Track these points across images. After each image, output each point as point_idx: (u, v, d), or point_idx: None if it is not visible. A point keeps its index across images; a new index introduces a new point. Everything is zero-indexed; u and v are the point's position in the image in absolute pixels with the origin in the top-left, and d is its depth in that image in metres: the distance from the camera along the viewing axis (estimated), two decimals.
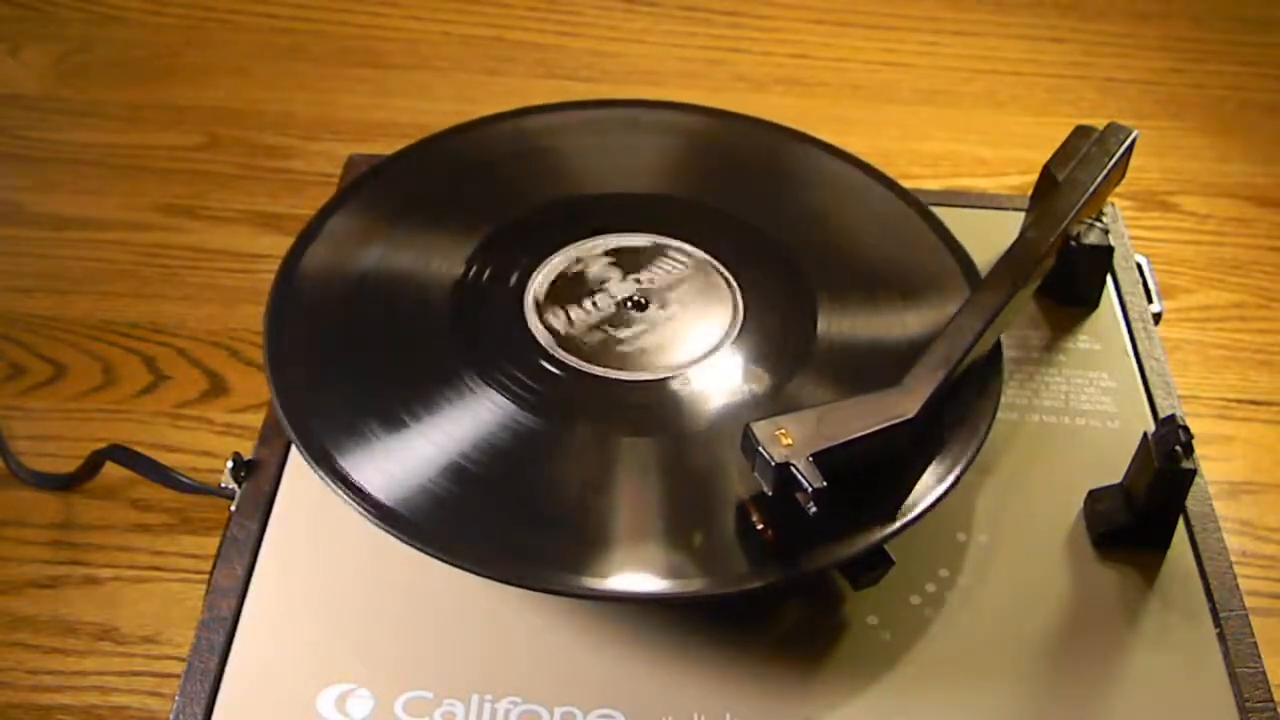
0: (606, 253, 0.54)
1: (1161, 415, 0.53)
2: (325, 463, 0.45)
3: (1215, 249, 0.81)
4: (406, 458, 0.46)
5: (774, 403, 0.48)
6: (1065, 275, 0.55)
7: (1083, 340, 0.56)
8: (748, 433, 0.43)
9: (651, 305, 0.52)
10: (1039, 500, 0.50)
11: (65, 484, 0.62)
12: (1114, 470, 0.49)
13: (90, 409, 0.67)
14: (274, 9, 0.94)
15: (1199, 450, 0.47)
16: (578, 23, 0.95)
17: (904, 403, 0.45)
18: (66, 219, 0.78)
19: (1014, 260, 0.51)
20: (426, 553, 0.43)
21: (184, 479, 0.56)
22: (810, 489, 0.41)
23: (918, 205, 0.56)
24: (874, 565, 0.44)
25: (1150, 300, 0.58)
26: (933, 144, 0.87)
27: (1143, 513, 0.47)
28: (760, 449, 0.42)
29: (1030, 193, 0.58)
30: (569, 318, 0.51)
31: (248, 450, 0.50)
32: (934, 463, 0.46)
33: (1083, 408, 0.53)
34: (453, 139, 0.59)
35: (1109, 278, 0.58)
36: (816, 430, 0.43)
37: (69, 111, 0.85)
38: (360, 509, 0.44)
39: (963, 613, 0.46)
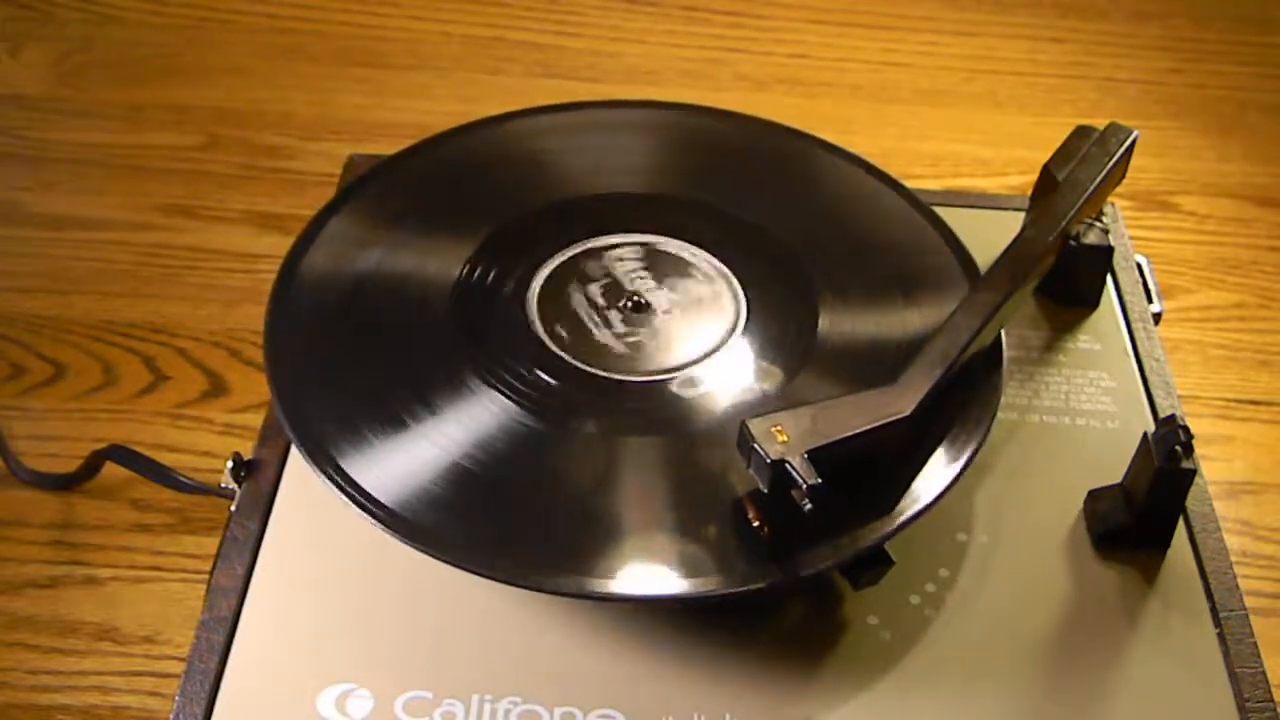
0: (607, 253, 0.54)
1: (1161, 415, 0.53)
2: (325, 463, 0.45)
3: (1215, 249, 0.81)
4: (406, 458, 0.46)
5: (775, 402, 0.48)
6: (1065, 275, 0.55)
7: (1083, 340, 0.56)
8: (743, 429, 0.43)
9: (652, 305, 0.52)
10: (1039, 500, 0.50)
11: (65, 484, 0.62)
12: (1114, 470, 0.49)
13: (90, 409, 0.67)
14: (274, 9, 0.94)
15: (1199, 450, 0.46)
16: (578, 23, 0.95)
17: (900, 400, 0.45)
18: (66, 219, 0.78)
19: (1013, 259, 0.51)
20: (426, 553, 0.43)
21: (184, 479, 0.56)
22: (805, 485, 0.41)
23: (919, 204, 0.56)
24: (874, 565, 0.44)
25: (1150, 300, 0.58)
26: (933, 144, 0.87)
27: (1143, 513, 0.47)
28: (755, 445, 0.42)
29: (1030, 193, 0.58)
30: (570, 318, 0.51)
31: (248, 450, 0.50)
32: (934, 462, 0.46)
33: (1083, 408, 0.53)
34: (453, 139, 0.59)
35: (1109, 278, 0.58)
36: (812, 427, 0.43)
37: (69, 111, 0.85)
38: (360, 509, 0.44)
39: (963, 613, 0.46)
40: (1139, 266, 0.59)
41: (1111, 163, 0.55)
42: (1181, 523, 0.49)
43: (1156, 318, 0.58)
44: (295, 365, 0.49)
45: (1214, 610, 0.47)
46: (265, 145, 0.84)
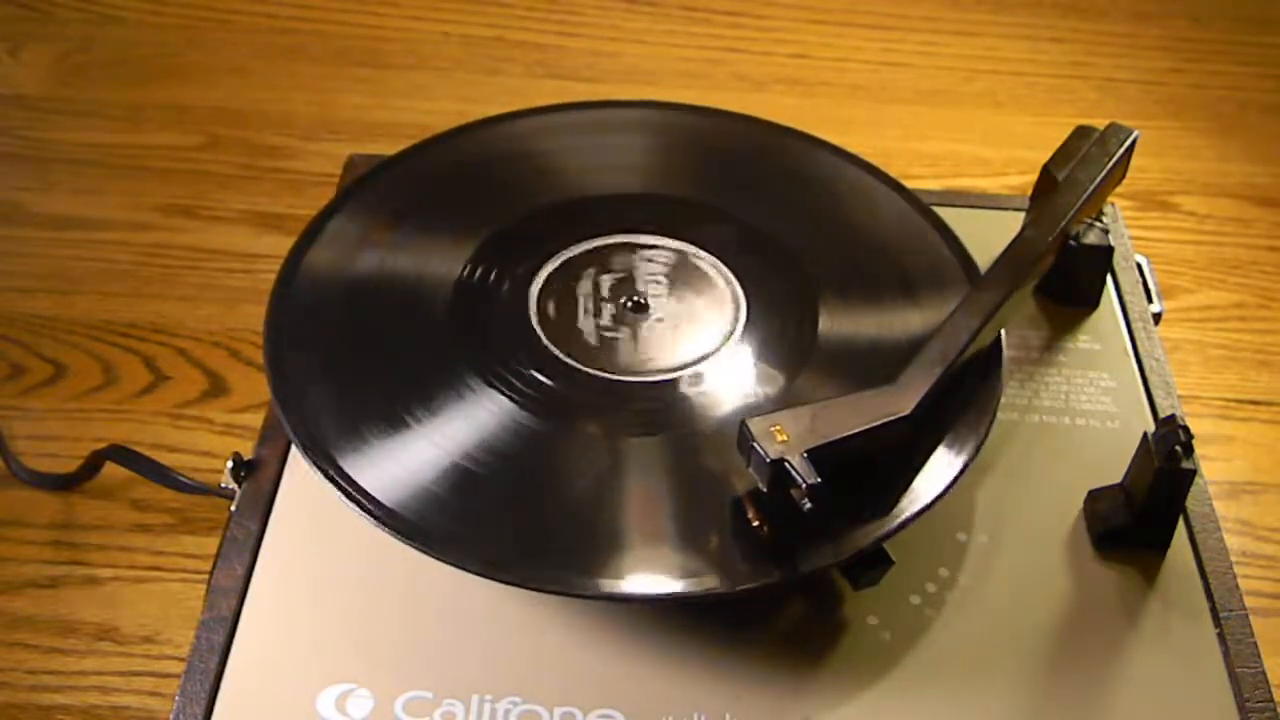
0: (607, 253, 0.54)
1: (1161, 415, 0.53)
2: (325, 463, 0.45)
3: (1215, 249, 0.81)
4: (407, 458, 0.46)
5: (775, 403, 0.48)
6: (1065, 275, 0.56)
7: (1083, 340, 0.56)
8: (743, 429, 0.43)
9: (652, 306, 0.52)
10: (1039, 500, 0.50)
11: (65, 484, 0.62)
12: (1114, 470, 0.49)
13: (90, 409, 0.67)
14: (274, 9, 0.94)
15: (1199, 450, 0.46)
16: (578, 23, 0.95)
17: (899, 400, 0.45)
18: (66, 219, 0.78)
19: (1012, 259, 0.51)
20: (426, 553, 0.43)
21: (184, 479, 0.56)
22: (805, 485, 0.41)
23: (919, 204, 0.56)
24: (874, 565, 0.44)
25: (1150, 300, 0.58)
26: (933, 144, 0.87)
27: (1143, 513, 0.47)
28: (755, 445, 0.42)
29: (1030, 193, 0.58)
30: (570, 318, 0.51)
31: (248, 450, 0.50)
32: (934, 462, 0.46)
33: (1083, 408, 0.53)
34: (453, 139, 0.59)
35: (1109, 278, 0.58)
36: (811, 427, 0.43)
37: (69, 111, 0.85)
38: (360, 509, 0.44)
39: (963, 613, 0.46)
40: (1139, 266, 0.59)
41: (1111, 163, 0.55)
42: (1181, 523, 0.49)
43: (1156, 318, 0.58)
44: (295, 365, 0.49)
45: (1214, 610, 0.47)
46: (265, 145, 0.84)
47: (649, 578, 0.43)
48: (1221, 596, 0.47)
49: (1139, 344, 0.56)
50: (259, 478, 0.49)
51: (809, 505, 0.41)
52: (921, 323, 0.51)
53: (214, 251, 0.76)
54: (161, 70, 0.89)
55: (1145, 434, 0.47)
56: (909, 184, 0.58)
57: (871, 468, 0.45)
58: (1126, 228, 0.61)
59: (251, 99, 0.87)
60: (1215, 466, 0.68)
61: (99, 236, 0.77)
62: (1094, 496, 0.49)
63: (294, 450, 0.49)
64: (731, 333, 0.51)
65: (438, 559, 0.43)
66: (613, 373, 0.49)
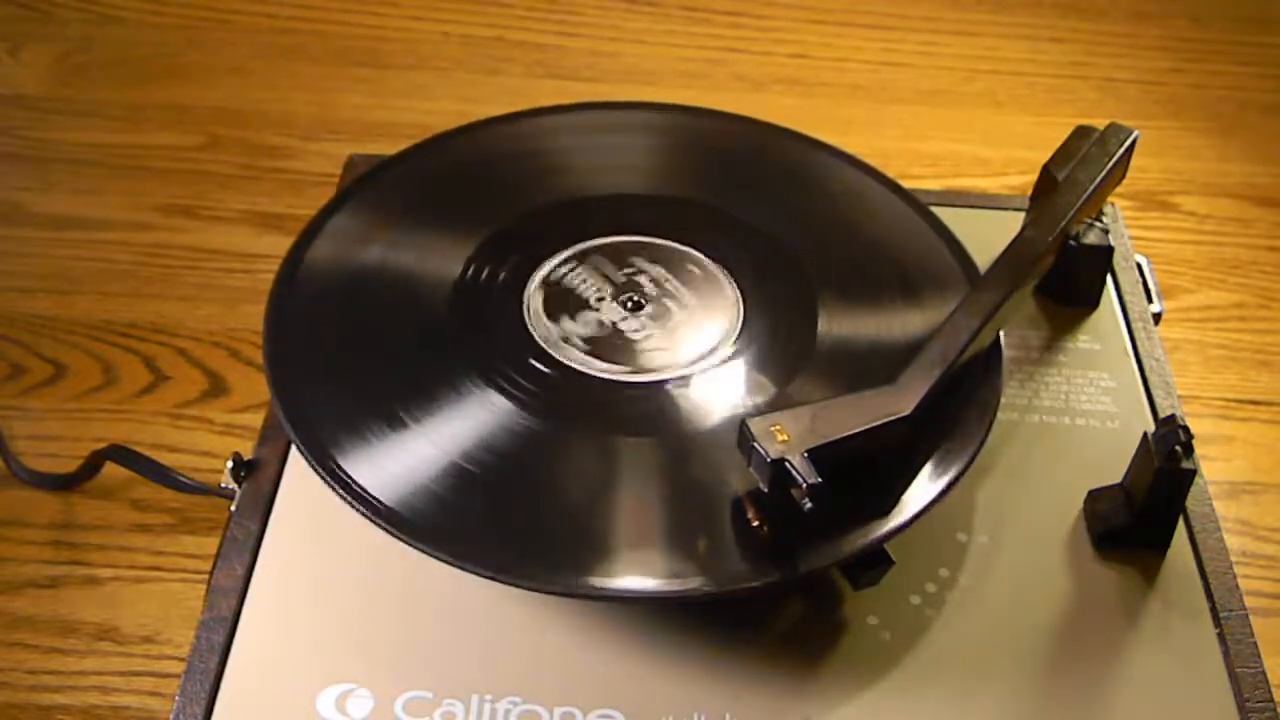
0: (606, 253, 0.54)
1: (1161, 415, 0.53)
2: (325, 463, 0.45)
3: (1215, 249, 0.81)
4: (407, 458, 0.46)
5: (775, 403, 0.48)
6: (1065, 275, 0.56)
7: (1083, 340, 0.56)
8: (743, 428, 0.43)
9: (651, 305, 0.52)
10: (1039, 500, 0.50)
11: (65, 484, 0.62)
12: (1114, 470, 0.49)
13: (90, 409, 0.67)
14: (274, 9, 0.94)
15: (1199, 450, 0.46)
16: (578, 23, 0.95)
17: (899, 400, 0.45)
18: (66, 219, 0.78)
19: (1012, 259, 0.51)
20: (426, 553, 0.43)
21: (184, 479, 0.56)
22: (805, 484, 0.41)
23: (918, 205, 0.56)
24: (874, 565, 0.44)
25: (1150, 300, 0.58)
26: (933, 144, 0.87)
27: (1143, 513, 0.47)
28: (755, 444, 0.42)
29: (1030, 193, 0.58)
30: (569, 318, 0.51)
31: (248, 450, 0.50)
32: (934, 462, 0.46)
33: (1083, 408, 0.53)
34: (453, 139, 0.59)
35: (1109, 278, 0.58)
36: (811, 426, 0.43)
37: (69, 111, 0.85)
38: (360, 509, 0.44)
39: (963, 613, 0.46)
40: (1139, 266, 0.59)
41: (1111, 163, 0.55)
42: (1181, 523, 0.49)
43: (1156, 318, 0.58)
44: (295, 365, 0.49)
45: (1214, 610, 0.47)
46: (265, 145, 0.84)
47: (649, 577, 0.43)
48: (1221, 596, 0.47)
49: (1139, 344, 0.56)
50: (259, 478, 0.49)
51: (809, 505, 0.41)
52: (921, 323, 0.51)
53: (214, 251, 0.76)
54: (161, 70, 0.89)
55: (1145, 434, 0.47)
56: (909, 184, 0.58)
57: (871, 468, 0.45)
58: (1126, 228, 0.61)
59: (251, 99, 0.87)
60: (1215, 466, 0.68)
61: (99, 236, 0.77)
62: (1094, 496, 0.49)
63: (294, 450, 0.49)
64: (731, 333, 0.51)
65: (437, 559, 0.43)
66: (612, 373, 0.49)
